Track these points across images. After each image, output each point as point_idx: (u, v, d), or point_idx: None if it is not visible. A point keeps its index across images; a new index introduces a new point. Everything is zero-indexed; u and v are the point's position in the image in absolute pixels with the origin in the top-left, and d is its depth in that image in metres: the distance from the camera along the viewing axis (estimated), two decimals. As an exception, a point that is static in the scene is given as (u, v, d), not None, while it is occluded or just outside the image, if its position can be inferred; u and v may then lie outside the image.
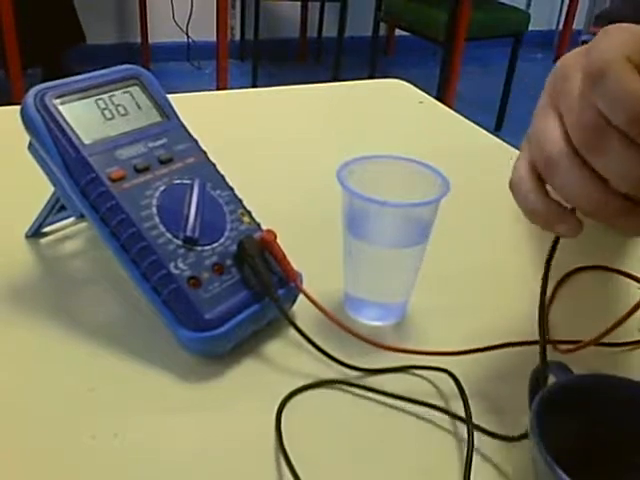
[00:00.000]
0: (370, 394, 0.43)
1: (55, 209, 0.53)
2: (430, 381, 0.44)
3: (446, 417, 0.41)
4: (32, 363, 0.43)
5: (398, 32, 3.72)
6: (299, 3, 3.65)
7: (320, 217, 0.59)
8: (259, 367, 0.44)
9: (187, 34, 3.46)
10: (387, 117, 0.89)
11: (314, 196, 0.64)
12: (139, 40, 3.40)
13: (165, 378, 0.42)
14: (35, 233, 0.56)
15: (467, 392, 0.43)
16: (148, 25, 3.37)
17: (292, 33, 3.79)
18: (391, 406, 0.42)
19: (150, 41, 3.41)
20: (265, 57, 3.39)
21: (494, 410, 0.42)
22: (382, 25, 3.40)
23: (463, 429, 0.40)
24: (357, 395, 0.43)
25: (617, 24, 0.32)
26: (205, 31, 3.32)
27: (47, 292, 0.50)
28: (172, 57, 3.47)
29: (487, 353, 0.45)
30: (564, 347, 0.46)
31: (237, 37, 3.67)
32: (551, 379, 0.37)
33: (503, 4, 3.09)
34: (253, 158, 0.73)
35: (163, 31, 3.44)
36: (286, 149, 0.76)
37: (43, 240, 0.56)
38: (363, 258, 0.47)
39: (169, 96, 0.51)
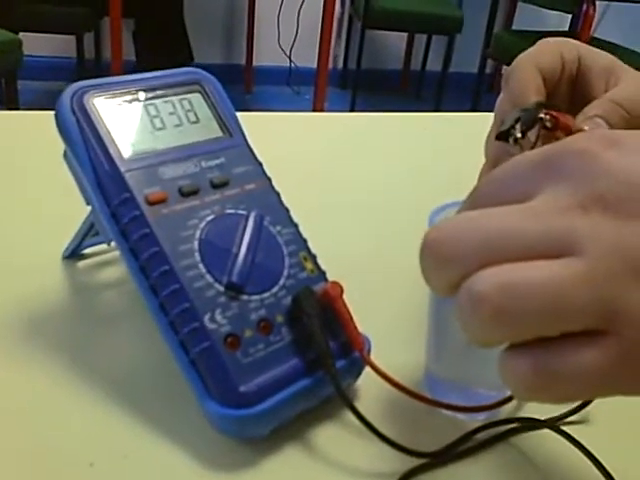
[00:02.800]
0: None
1: (92, 231, 0.45)
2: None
3: None
4: (31, 418, 0.35)
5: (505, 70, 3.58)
6: (405, 35, 3.58)
7: (400, 269, 0.46)
8: (305, 458, 0.34)
9: (290, 58, 3.45)
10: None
11: (395, 244, 0.53)
12: (244, 62, 3.42)
13: (183, 461, 0.33)
14: (72, 255, 0.48)
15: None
16: (254, 47, 3.38)
17: (395, 65, 3.71)
18: None
19: (254, 63, 3.42)
20: (366, 87, 3.33)
21: None
22: (489, 62, 3.27)
23: None
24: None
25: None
26: (308, 57, 3.29)
27: (70, 329, 0.42)
28: (273, 81, 3.47)
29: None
30: None
31: (340, 65, 3.64)
32: None
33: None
34: (327, 190, 0.63)
35: (267, 54, 3.45)
36: (369, 183, 0.66)
37: (80, 263, 0.48)
38: (454, 326, 0.37)
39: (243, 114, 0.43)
